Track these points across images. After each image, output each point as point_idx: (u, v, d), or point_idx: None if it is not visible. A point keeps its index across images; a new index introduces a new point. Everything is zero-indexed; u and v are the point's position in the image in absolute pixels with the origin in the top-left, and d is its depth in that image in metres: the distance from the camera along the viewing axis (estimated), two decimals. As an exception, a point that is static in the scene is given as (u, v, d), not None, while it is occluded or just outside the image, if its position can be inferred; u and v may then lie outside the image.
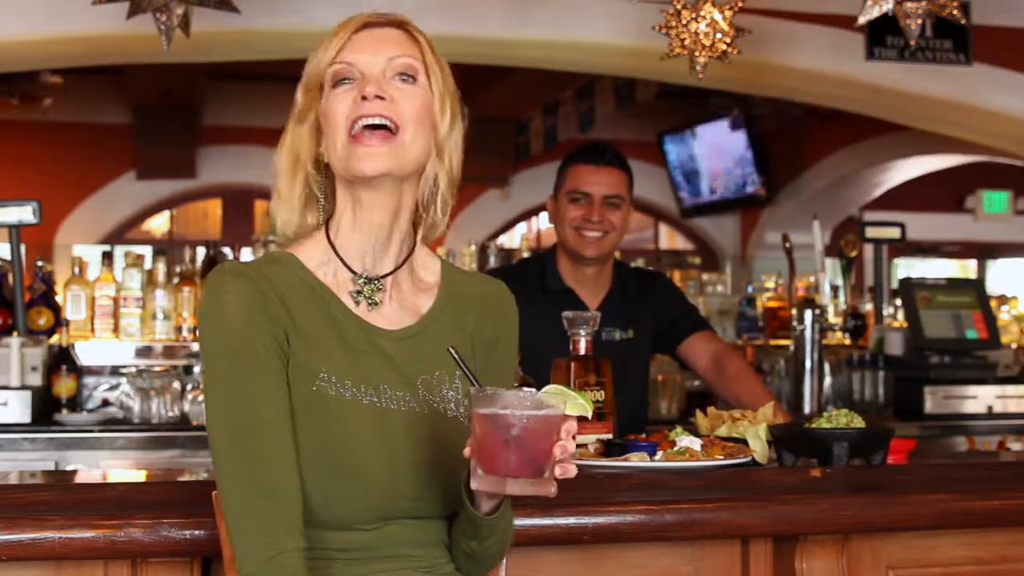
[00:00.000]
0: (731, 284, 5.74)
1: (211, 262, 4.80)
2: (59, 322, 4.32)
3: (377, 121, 1.62)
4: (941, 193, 10.13)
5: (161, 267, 4.62)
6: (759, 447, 2.40)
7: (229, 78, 8.29)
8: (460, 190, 1.75)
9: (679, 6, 3.89)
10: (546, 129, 8.75)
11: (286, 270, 1.65)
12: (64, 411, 4.20)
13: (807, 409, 4.19)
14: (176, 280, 4.68)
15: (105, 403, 4.50)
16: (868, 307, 5.36)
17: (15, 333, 4.04)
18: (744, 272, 8.42)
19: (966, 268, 11.33)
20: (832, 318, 5.05)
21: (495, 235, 9.57)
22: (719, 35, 3.88)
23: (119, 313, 4.54)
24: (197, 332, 1.64)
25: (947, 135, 6.28)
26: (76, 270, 4.65)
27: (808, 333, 4.22)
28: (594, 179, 3.18)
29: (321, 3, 4.54)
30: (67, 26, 4.47)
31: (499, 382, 1.68)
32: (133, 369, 4.40)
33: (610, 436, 2.43)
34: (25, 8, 4.48)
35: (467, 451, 1.52)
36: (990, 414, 4.49)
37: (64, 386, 4.25)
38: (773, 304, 5.25)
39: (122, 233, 9.28)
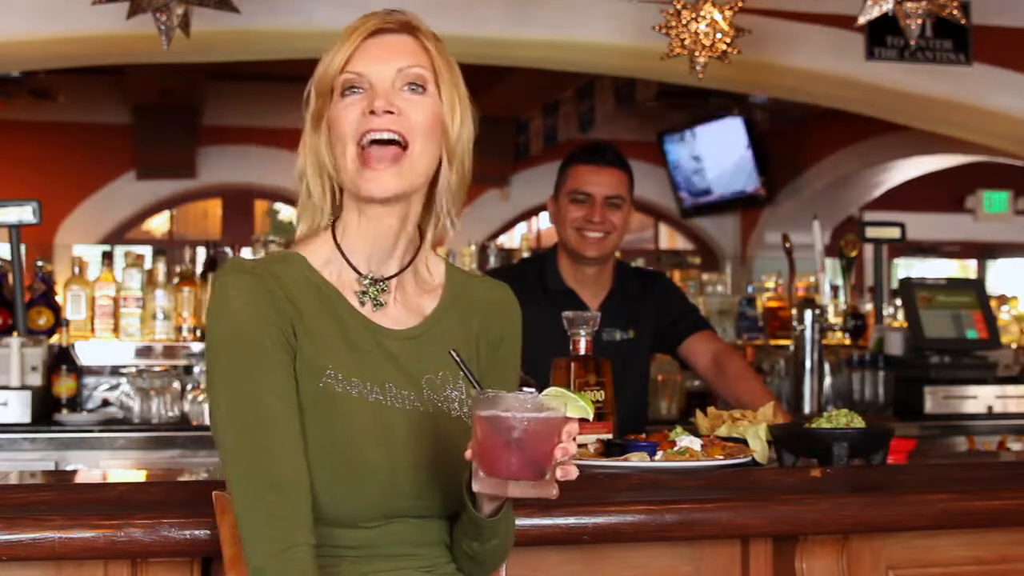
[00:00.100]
0: (731, 284, 5.74)
1: (211, 262, 4.80)
2: (59, 322, 4.32)
3: (386, 136, 1.63)
4: (941, 193, 10.13)
5: (161, 267, 4.61)
6: (759, 447, 2.40)
7: (229, 78, 8.29)
8: (462, 190, 1.76)
9: (679, 6, 3.89)
10: (546, 129, 8.75)
11: (293, 268, 1.66)
12: (64, 411, 4.19)
13: (807, 409, 4.19)
14: (176, 280, 4.68)
15: (105, 403, 4.50)
16: (868, 307, 5.36)
17: (15, 333, 4.04)
18: (744, 272, 8.42)
19: (966, 268, 11.33)
20: (832, 318, 5.05)
21: (495, 235, 9.57)
22: (719, 35, 3.88)
23: (119, 313, 4.54)
24: (204, 327, 1.64)
25: (947, 135, 6.28)
26: (76, 270, 4.64)
27: (808, 333, 4.22)
28: (595, 179, 3.18)
29: (321, 3, 4.54)
30: (67, 26, 4.47)
31: (502, 384, 1.68)
32: (133, 369, 4.40)
33: (610, 436, 2.43)
34: (25, 8, 4.48)
35: (468, 453, 1.52)
36: (990, 414, 4.49)
37: (64, 386, 4.25)
38: (773, 304, 5.25)
39: (122, 233, 9.28)
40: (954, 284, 4.71)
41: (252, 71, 7.83)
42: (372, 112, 1.62)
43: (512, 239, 9.70)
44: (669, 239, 10.56)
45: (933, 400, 4.45)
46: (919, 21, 3.90)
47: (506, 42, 4.89)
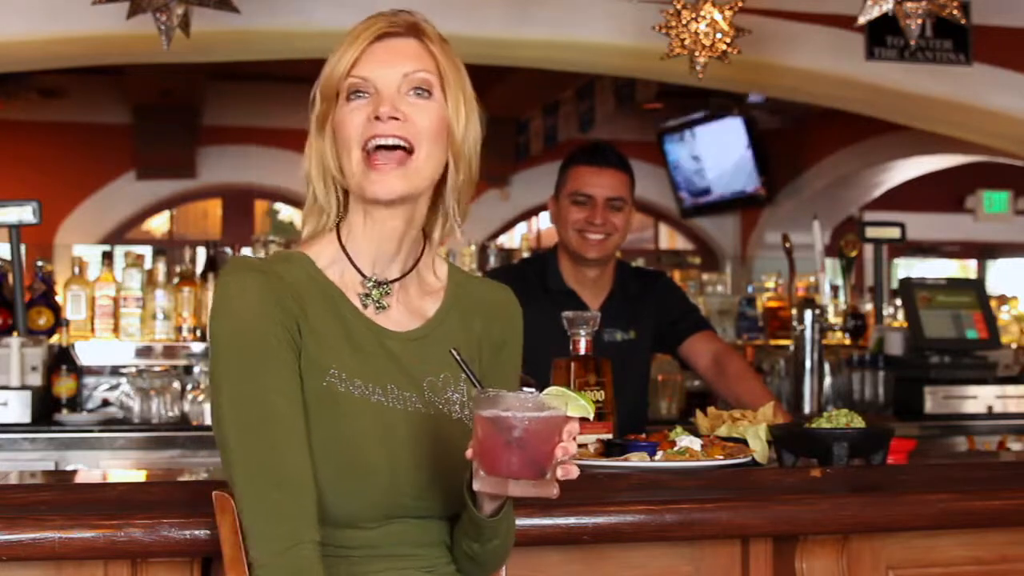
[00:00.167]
0: (731, 284, 5.74)
1: (211, 262, 4.80)
2: (59, 322, 4.32)
3: (391, 142, 1.63)
4: (941, 193, 10.13)
5: (161, 267, 4.61)
6: (759, 447, 2.40)
7: (229, 78, 8.29)
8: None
9: (679, 6, 3.89)
10: (546, 129, 8.75)
11: (297, 267, 1.66)
12: (64, 411, 4.20)
13: (807, 409, 4.19)
14: (176, 280, 4.67)
15: (105, 403, 4.50)
16: (868, 307, 5.36)
17: (15, 333, 4.04)
18: (744, 272, 8.42)
19: (966, 268, 11.33)
20: (832, 318, 5.05)
21: (495, 235, 9.57)
22: (719, 35, 3.88)
23: (119, 313, 4.54)
24: (208, 325, 1.63)
25: (947, 135, 6.28)
26: (76, 270, 4.64)
27: (808, 333, 4.22)
28: (596, 181, 3.17)
29: (321, 3, 4.54)
30: (67, 26, 4.47)
31: (503, 385, 1.68)
32: (133, 369, 4.39)
33: (610, 436, 2.43)
34: (25, 8, 4.48)
35: (469, 452, 1.53)
36: (990, 414, 4.49)
37: (64, 386, 4.25)
38: (773, 304, 5.25)
39: (122, 233, 9.28)
40: (954, 284, 4.71)
41: (252, 71, 7.83)
42: (377, 118, 1.62)
43: (512, 239, 9.70)
44: (669, 239, 10.56)
45: (933, 400, 4.45)
46: (919, 21, 3.90)
47: (506, 42, 4.89)
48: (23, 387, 4.00)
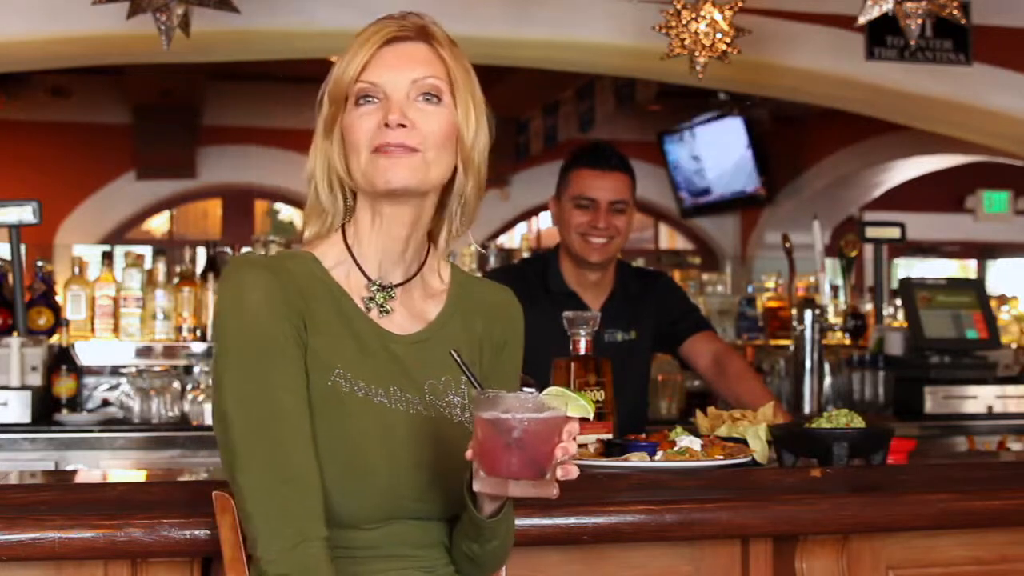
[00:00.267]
0: (731, 284, 5.74)
1: (211, 262, 4.80)
2: (59, 322, 4.32)
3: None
4: (941, 193, 10.13)
5: (161, 267, 4.61)
6: (759, 447, 2.40)
7: (229, 78, 8.29)
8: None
9: (679, 6, 3.89)
10: (546, 129, 8.75)
11: (304, 266, 1.66)
12: (64, 411, 4.20)
13: (807, 409, 4.19)
14: (176, 280, 4.67)
15: (105, 403, 4.50)
16: (868, 307, 5.36)
17: (15, 333, 4.04)
18: (744, 272, 8.42)
19: (966, 268, 11.33)
20: (832, 318, 5.05)
21: (495, 235, 9.57)
22: (719, 35, 3.88)
23: (119, 313, 4.54)
24: (213, 321, 1.62)
25: (947, 135, 6.28)
26: (76, 270, 4.65)
27: (808, 333, 4.22)
28: (599, 184, 3.16)
29: (321, 3, 4.54)
30: (67, 26, 4.47)
31: (504, 385, 1.68)
32: (133, 369, 4.40)
33: (610, 436, 2.43)
34: (25, 8, 4.48)
35: (469, 453, 1.53)
36: (990, 414, 4.49)
37: (64, 386, 4.25)
38: (773, 304, 5.25)
39: (122, 233, 9.28)
40: (954, 284, 4.71)
41: (252, 71, 7.83)
42: (387, 125, 1.62)
43: (512, 239, 9.70)
44: (669, 239, 10.56)
45: (933, 400, 4.45)
46: (919, 21, 3.90)
47: (506, 42, 4.89)
48: (23, 387, 4.00)
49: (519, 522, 1.77)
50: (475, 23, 4.70)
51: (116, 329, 4.55)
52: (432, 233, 1.75)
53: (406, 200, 1.66)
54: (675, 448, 2.27)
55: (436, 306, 1.75)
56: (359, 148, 1.64)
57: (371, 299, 1.69)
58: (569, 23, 4.86)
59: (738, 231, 9.99)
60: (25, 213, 3.91)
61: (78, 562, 1.91)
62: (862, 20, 3.95)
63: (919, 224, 8.41)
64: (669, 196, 9.63)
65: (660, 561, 2.16)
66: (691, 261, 6.07)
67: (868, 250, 5.45)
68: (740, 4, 3.91)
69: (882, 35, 5.02)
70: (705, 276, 5.65)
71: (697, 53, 3.90)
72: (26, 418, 3.97)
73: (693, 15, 3.88)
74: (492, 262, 5.30)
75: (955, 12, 3.90)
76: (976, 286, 4.77)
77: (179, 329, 4.57)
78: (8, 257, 4.14)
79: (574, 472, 1.53)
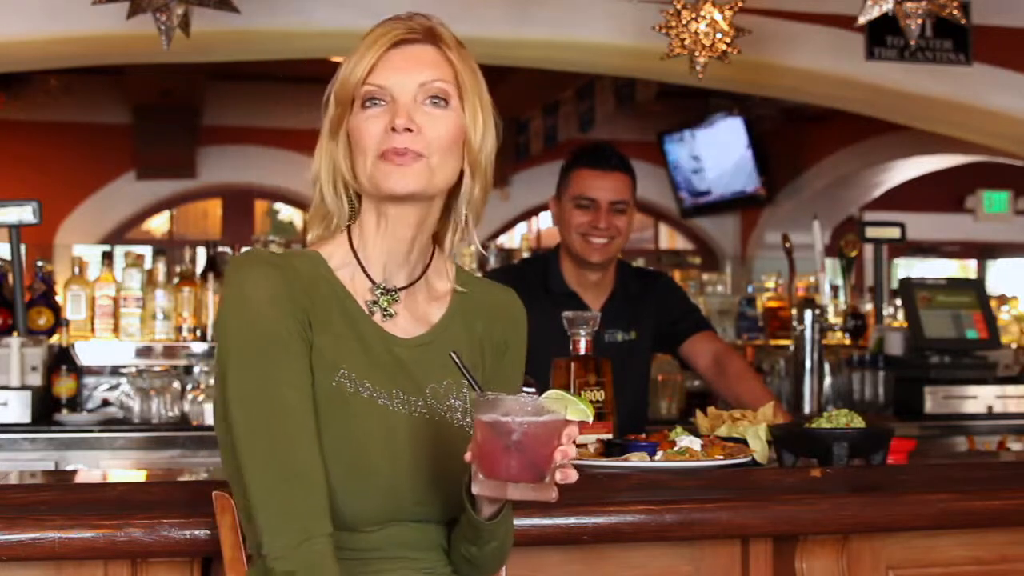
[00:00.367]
0: (731, 284, 5.73)
1: (211, 262, 4.80)
2: (59, 322, 4.32)
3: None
4: (941, 193, 10.13)
5: (161, 267, 4.61)
6: (759, 447, 2.40)
7: (229, 78, 8.29)
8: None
9: (679, 6, 3.89)
10: (546, 129, 8.74)
11: (310, 265, 1.66)
12: (64, 411, 4.20)
13: (807, 409, 4.19)
14: (176, 280, 4.68)
15: (105, 403, 4.50)
16: (868, 307, 5.36)
17: (15, 333, 4.04)
18: (744, 272, 8.41)
19: (966, 268, 11.33)
20: (832, 318, 5.05)
21: (495, 235, 9.56)
22: (719, 35, 3.88)
23: (119, 313, 4.54)
24: (217, 316, 1.62)
25: (947, 135, 6.28)
26: (76, 270, 4.64)
27: (808, 333, 4.22)
28: (600, 184, 3.16)
29: (321, 3, 4.54)
30: (67, 26, 4.47)
31: (506, 387, 1.68)
32: (133, 369, 4.40)
33: (610, 436, 2.43)
34: (25, 8, 4.48)
35: (468, 456, 1.52)
36: (990, 414, 4.49)
37: (64, 386, 4.25)
38: (773, 304, 5.25)
39: (122, 233, 9.28)
40: (954, 284, 4.71)
41: (252, 71, 7.83)
42: (394, 129, 1.62)
43: (512, 239, 9.70)
44: (669, 239, 10.56)
45: (933, 400, 4.45)
46: (919, 21, 3.90)
47: (506, 42, 4.89)
48: (23, 387, 4.00)
49: (519, 522, 1.77)
50: (475, 23, 4.70)
51: (116, 329, 4.55)
52: (438, 235, 1.75)
53: (411, 203, 1.66)
54: (675, 448, 2.27)
55: (439, 309, 1.75)
56: (365, 152, 1.64)
57: (375, 303, 1.68)
58: (569, 23, 4.86)
59: (738, 231, 9.99)
60: (25, 213, 3.91)
61: (78, 562, 1.91)
62: (862, 20, 3.95)
63: (919, 224, 8.41)
64: (669, 196, 9.63)
65: (660, 561, 2.17)
66: (691, 261, 6.07)
67: (868, 250, 5.45)
68: (740, 4, 3.91)
69: (882, 35, 5.02)
70: (705, 276, 5.65)
71: (697, 53, 3.90)
72: (26, 418, 3.97)
73: (693, 15, 3.88)
74: (492, 262, 5.29)
75: (955, 12, 3.90)
76: (976, 286, 4.77)
77: (179, 329, 4.57)
78: (8, 257, 4.14)
79: (573, 476, 1.53)
